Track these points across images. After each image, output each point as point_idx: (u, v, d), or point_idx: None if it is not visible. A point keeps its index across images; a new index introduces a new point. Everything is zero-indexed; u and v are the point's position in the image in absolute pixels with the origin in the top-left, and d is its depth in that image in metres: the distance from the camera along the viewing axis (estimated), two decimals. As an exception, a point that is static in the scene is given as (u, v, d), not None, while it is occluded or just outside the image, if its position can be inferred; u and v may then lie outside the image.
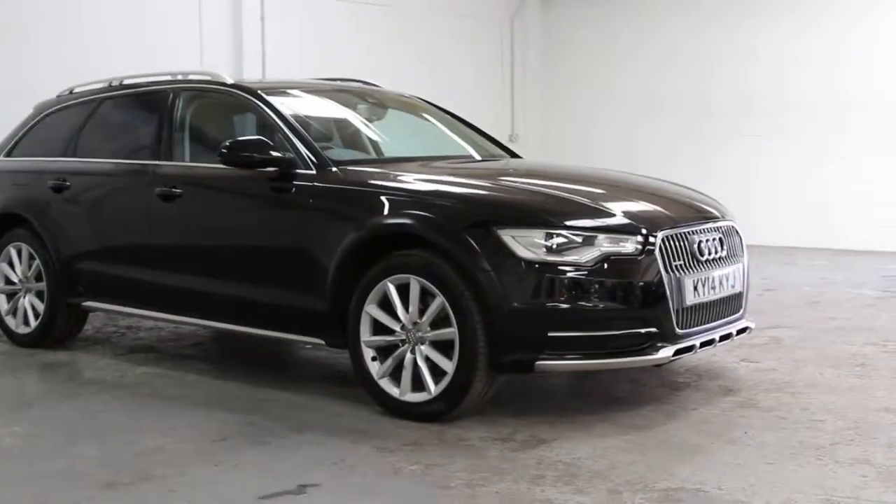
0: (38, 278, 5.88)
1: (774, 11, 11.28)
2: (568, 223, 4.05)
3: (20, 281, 5.98)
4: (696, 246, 4.27)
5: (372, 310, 4.28)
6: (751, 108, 11.37)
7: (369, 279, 4.28)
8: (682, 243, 4.21)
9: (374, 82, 6.20)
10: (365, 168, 4.81)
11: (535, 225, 4.03)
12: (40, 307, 5.87)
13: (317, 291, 4.48)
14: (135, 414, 4.50)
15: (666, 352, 4.07)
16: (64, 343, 5.97)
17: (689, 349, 4.18)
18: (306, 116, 5.10)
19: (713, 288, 4.33)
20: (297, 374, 5.37)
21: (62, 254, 5.72)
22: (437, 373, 4.13)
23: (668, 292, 4.07)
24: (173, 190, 5.11)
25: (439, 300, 4.08)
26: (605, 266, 3.99)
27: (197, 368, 5.43)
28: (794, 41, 11.10)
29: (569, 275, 3.96)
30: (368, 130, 5.58)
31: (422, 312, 4.16)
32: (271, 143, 4.69)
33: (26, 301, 5.93)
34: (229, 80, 5.28)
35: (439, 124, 5.81)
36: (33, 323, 5.90)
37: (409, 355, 4.19)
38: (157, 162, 5.33)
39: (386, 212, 4.33)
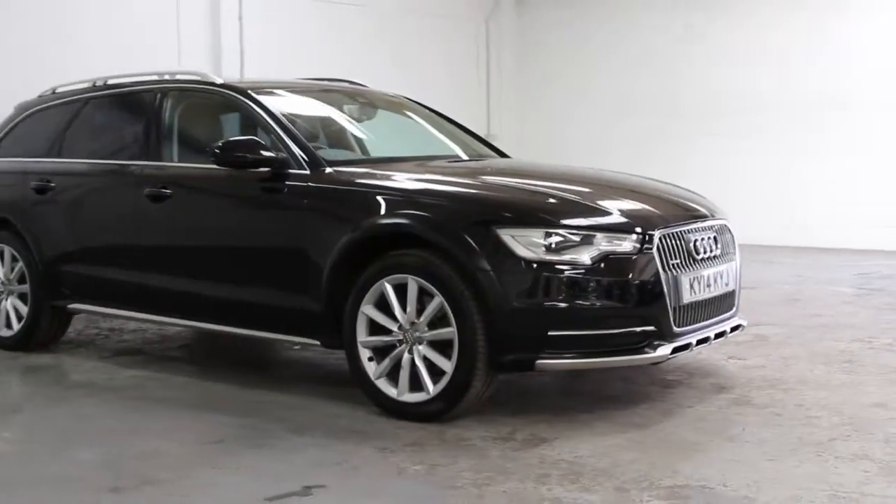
0: (21, 280, 5.80)
1: (742, 11, 11.41)
2: (567, 222, 4.07)
3: (2, 283, 5.88)
4: (691, 244, 4.30)
5: (368, 310, 4.27)
6: (721, 108, 11.47)
7: (366, 279, 4.27)
8: (678, 242, 4.24)
9: (360, 82, 6.18)
10: (360, 168, 4.78)
11: (534, 224, 4.03)
12: (23, 310, 5.78)
13: (311, 292, 4.46)
14: (127, 417, 4.45)
15: (664, 350, 4.10)
16: (47, 346, 5.88)
17: (686, 347, 4.21)
18: (298, 116, 5.06)
19: (708, 286, 4.37)
20: (286, 376, 5.33)
21: (46, 255, 5.64)
22: (435, 373, 4.12)
23: (665, 291, 4.09)
24: (163, 190, 5.05)
25: (438, 300, 4.07)
26: (605, 265, 4.01)
27: (185, 371, 5.38)
28: (762, 41, 11.24)
29: (568, 274, 3.97)
30: (359, 130, 5.56)
31: (419, 312, 4.15)
32: (264, 144, 4.66)
33: (9, 304, 5.84)
34: (219, 80, 5.24)
35: (427, 124, 5.81)
36: (16, 326, 5.81)
37: (406, 355, 4.17)
38: (145, 162, 5.27)
39: (383, 212, 4.31)
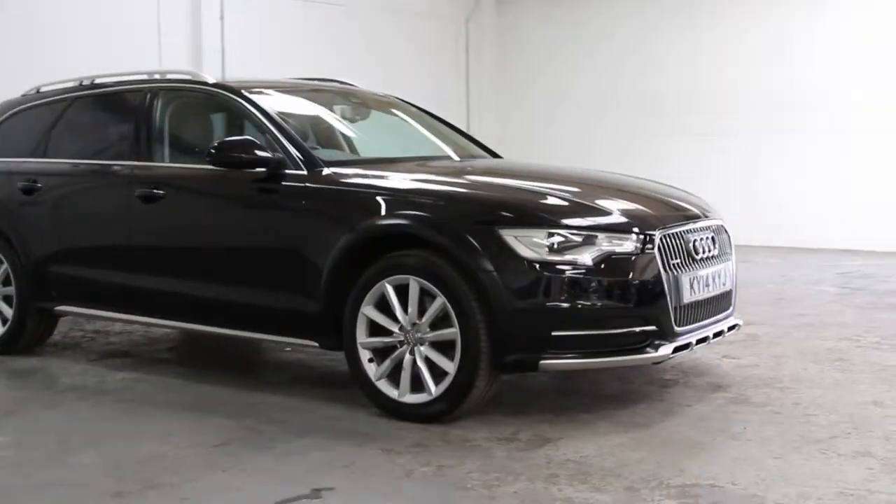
0: (7, 282, 5.71)
1: (722, 12, 11.50)
2: (569, 223, 4.07)
3: (-12, 285, 5.80)
4: (691, 244, 4.32)
5: (369, 311, 4.24)
6: (703, 107, 11.57)
7: (366, 280, 4.24)
8: (678, 242, 4.26)
9: (349, 82, 6.14)
10: (357, 168, 4.74)
11: (536, 224, 4.03)
12: (9, 312, 5.69)
13: (310, 293, 4.42)
14: (123, 420, 4.39)
15: (665, 349, 4.11)
16: (33, 349, 5.79)
17: (687, 346, 4.23)
18: (292, 116, 5.02)
19: (707, 286, 4.39)
20: (281, 377, 5.29)
21: (33, 257, 5.55)
22: (437, 373, 4.11)
23: (666, 291, 4.11)
24: (155, 191, 4.99)
25: (440, 301, 4.06)
26: (607, 265, 4.02)
27: (177, 373, 5.32)
28: (744, 41, 11.33)
29: (571, 274, 3.98)
30: (354, 131, 5.52)
31: (420, 313, 4.13)
32: (260, 144, 4.62)
33: (-6, 306, 5.76)
34: (211, 80, 5.18)
35: (419, 124, 5.78)
36: (1, 328, 5.72)
37: (408, 356, 4.16)
38: (136, 163, 5.21)
39: (383, 212, 4.29)
